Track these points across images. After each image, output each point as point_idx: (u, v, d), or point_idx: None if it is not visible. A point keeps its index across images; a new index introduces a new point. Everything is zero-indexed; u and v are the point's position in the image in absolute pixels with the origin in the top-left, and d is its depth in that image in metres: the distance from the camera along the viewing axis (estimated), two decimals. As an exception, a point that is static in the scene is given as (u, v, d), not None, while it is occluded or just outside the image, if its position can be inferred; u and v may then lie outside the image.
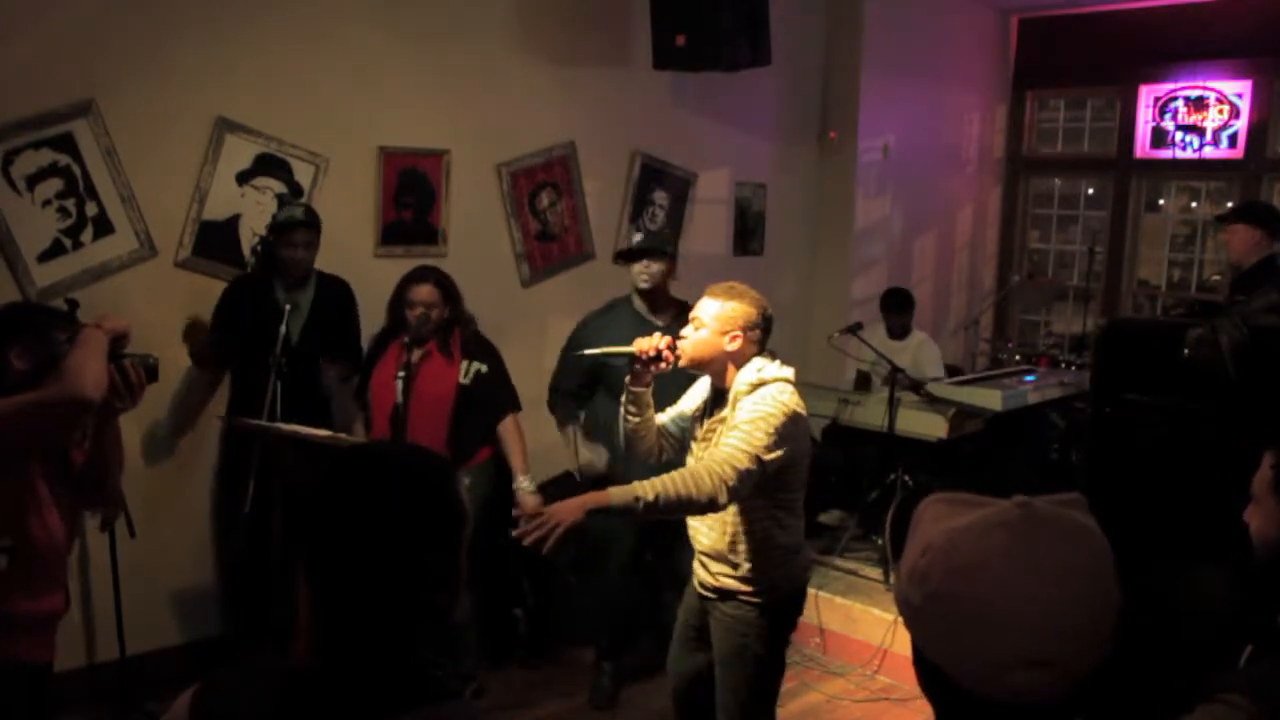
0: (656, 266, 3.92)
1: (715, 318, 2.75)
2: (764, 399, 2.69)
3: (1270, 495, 1.77)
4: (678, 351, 2.79)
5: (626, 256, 4.02)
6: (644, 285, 3.94)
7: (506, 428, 3.99)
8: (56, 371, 2.27)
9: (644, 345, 2.78)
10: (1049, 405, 5.43)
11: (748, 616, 2.82)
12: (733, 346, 2.75)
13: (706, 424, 2.85)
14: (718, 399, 2.85)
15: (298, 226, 3.98)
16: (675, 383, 3.08)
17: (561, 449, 5.02)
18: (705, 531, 2.87)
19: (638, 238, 4.23)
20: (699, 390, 2.99)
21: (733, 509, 2.74)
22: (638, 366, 2.81)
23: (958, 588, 1.03)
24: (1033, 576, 1.01)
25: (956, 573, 1.03)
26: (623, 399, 2.89)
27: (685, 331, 2.81)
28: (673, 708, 3.14)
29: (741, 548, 2.79)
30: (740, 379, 2.74)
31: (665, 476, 2.56)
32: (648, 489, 2.51)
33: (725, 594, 2.85)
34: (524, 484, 3.93)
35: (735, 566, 2.81)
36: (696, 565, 2.96)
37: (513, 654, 4.43)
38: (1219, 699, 1.39)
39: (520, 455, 3.97)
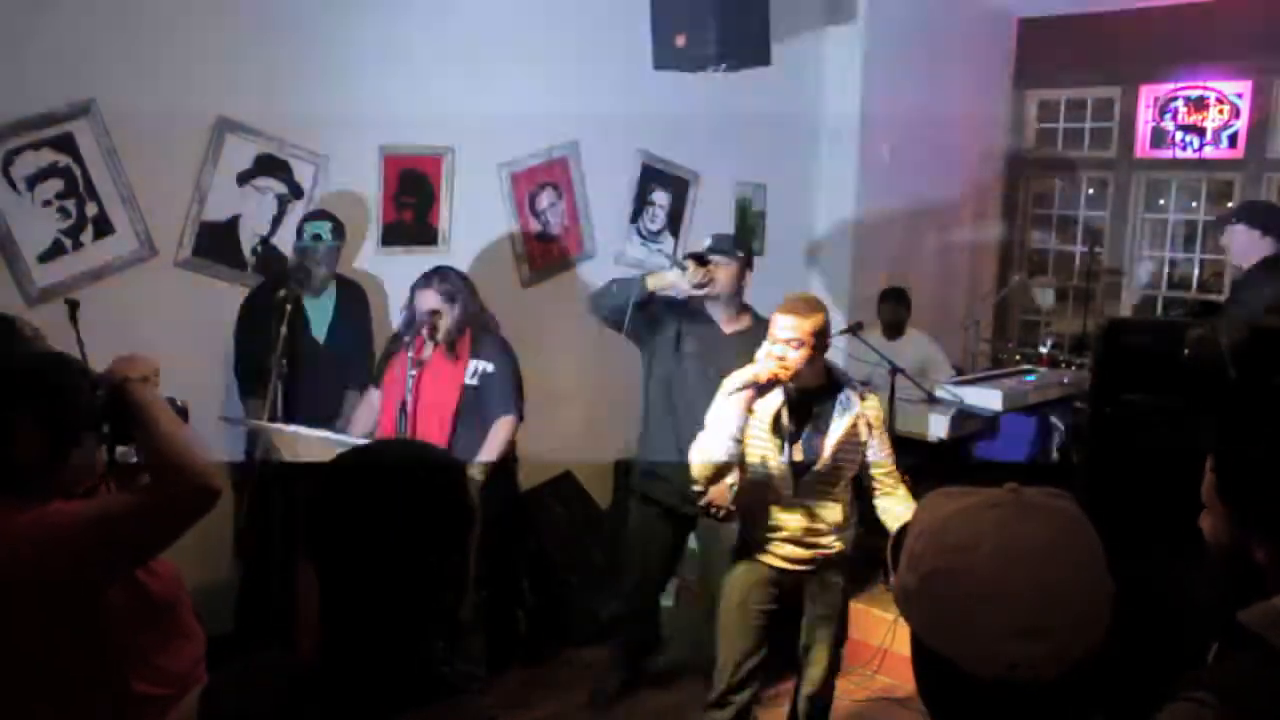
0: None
1: (813, 334, 3.02)
2: (880, 407, 3.24)
3: (1216, 501, 1.79)
4: (787, 370, 3.03)
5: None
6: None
7: (494, 427, 3.92)
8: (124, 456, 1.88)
9: (763, 373, 3.01)
10: (1049, 405, 5.43)
11: (845, 572, 3.32)
12: (829, 352, 3.13)
13: (805, 437, 3.10)
14: (806, 401, 3.10)
15: (324, 246, 4.08)
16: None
17: (561, 451, 5.03)
18: (825, 510, 3.18)
19: (709, 239, 3.93)
20: (764, 401, 3.10)
21: (849, 487, 3.21)
22: (754, 392, 3.02)
23: (951, 564, 1.05)
24: (1024, 552, 1.04)
25: (949, 550, 1.06)
26: (729, 433, 3.00)
27: (778, 351, 3.00)
28: (728, 682, 3.28)
29: (847, 520, 3.24)
30: (846, 381, 3.18)
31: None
32: None
33: (837, 558, 3.26)
34: (472, 469, 3.76)
35: (841, 533, 3.23)
36: (790, 547, 3.19)
37: (513, 654, 4.43)
38: (1185, 698, 1.42)
39: (489, 451, 3.86)
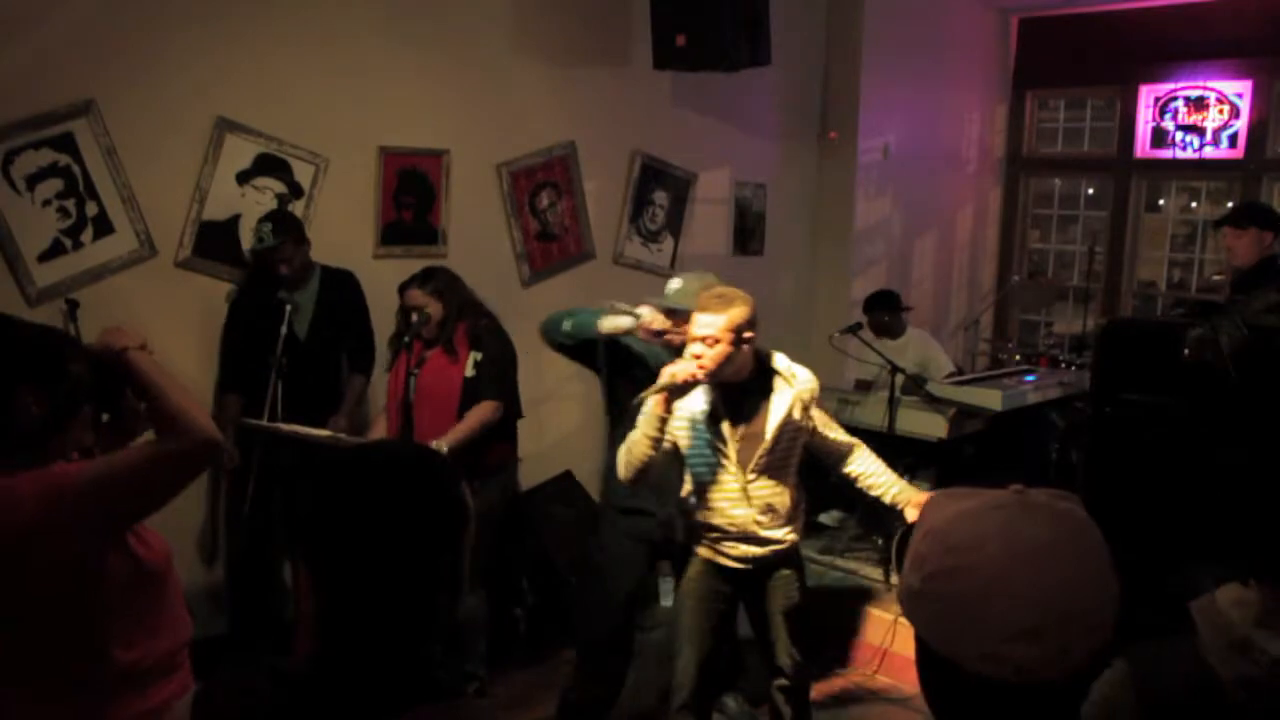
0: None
1: (727, 329, 2.95)
2: (813, 382, 3.18)
3: None
4: (704, 369, 2.95)
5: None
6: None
7: (473, 409, 3.82)
8: (120, 416, 1.97)
9: (679, 374, 2.92)
10: (1049, 405, 5.43)
11: (800, 561, 3.31)
12: (748, 347, 3.02)
13: (742, 430, 3.08)
14: (739, 396, 3.07)
15: (270, 251, 4.01)
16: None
17: (562, 449, 5.02)
18: (771, 500, 3.13)
19: (675, 285, 3.43)
20: (691, 400, 3.07)
21: (795, 475, 3.19)
22: (669, 394, 2.95)
23: (955, 564, 1.05)
24: (1028, 553, 1.04)
25: (953, 551, 1.06)
26: (646, 433, 2.96)
27: (696, 350, 2.95)
28: (694, 682, 3.26)
29: (796, 508, 3.22)
30: (776, 367, 3.13)
31: (889, 474, 3.26)
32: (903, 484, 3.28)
33: (792, 550, 3.25)
34: (437, 441, 3.66)
35: (793, 523, 3.21)
36: (744, 546, 3.16)
37: (513, 654, 4.43)
38: (1112, 663, 1.45)
39: (460, 430, 3.73)
